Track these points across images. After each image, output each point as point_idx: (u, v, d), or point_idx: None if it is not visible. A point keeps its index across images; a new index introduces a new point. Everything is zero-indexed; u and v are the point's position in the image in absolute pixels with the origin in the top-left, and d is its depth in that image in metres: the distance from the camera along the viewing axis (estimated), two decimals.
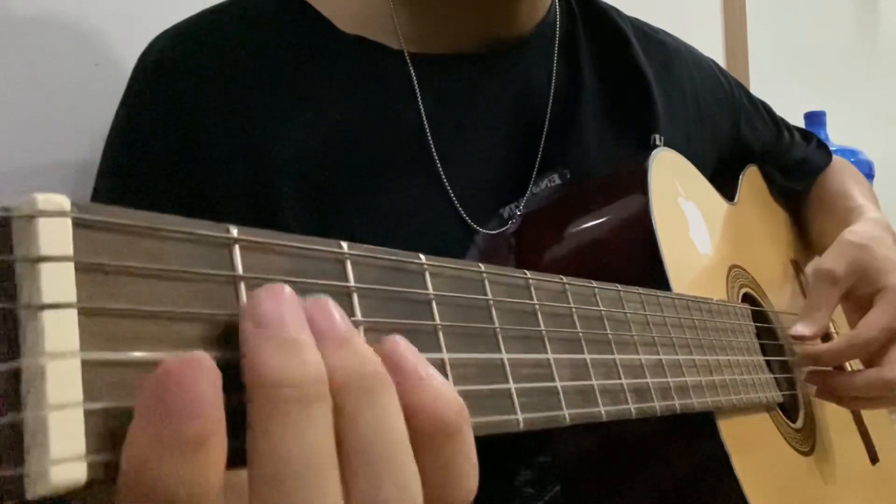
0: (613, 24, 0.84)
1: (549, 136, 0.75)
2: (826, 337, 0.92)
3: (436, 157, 0.68)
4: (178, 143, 0.65)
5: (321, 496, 0.25)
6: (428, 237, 0.66)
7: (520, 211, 0.71)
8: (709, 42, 1.69)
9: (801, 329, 0.78)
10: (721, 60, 1.71)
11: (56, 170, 0.75)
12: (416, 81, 0.69)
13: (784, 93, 1.62)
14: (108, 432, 0.21)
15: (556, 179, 0.74)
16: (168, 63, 0.67)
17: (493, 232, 0.70)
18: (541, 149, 0.74)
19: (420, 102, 0.69)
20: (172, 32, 0.69)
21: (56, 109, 0.75)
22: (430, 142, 0.68)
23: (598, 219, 0.69)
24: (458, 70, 0.72)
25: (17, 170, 0.72)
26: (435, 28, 0.71)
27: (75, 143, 0.75)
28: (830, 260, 0.83)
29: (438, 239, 0.67)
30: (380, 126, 0.68)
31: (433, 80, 0.70)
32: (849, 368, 0.82)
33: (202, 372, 0.23)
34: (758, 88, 1.30)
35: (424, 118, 0.69)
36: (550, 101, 0.76)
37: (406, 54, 0.70)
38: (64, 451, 0.20)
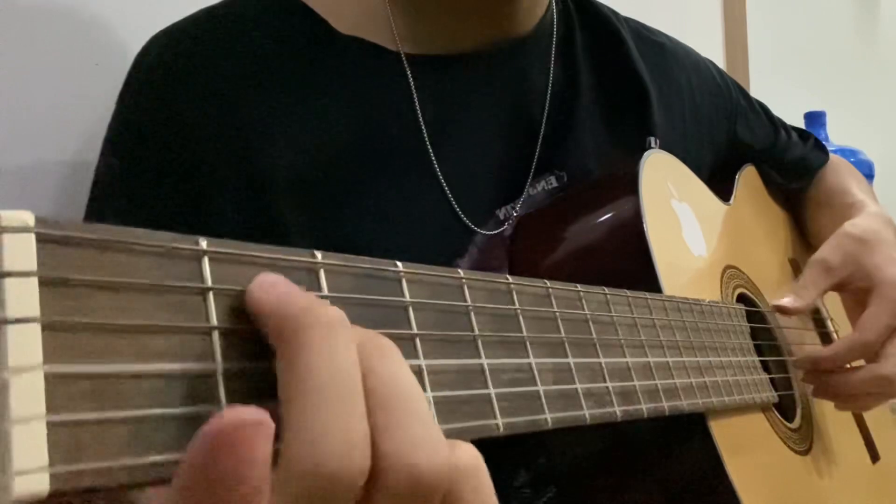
0: (610, 25, 0.84)
1: (545, 137, 0.75)
2: (825, 336, 0.92)
3: (433, 158, 0.68)
4: (176, 145, 0.65)
5: (352, 415, 0.27)
6: (426, 237, 0.66)
7: (516, 212, 0.71)
8: (709, 42, 1.69)
9: (785, 301, 0.78)
10: (721, 60, 1.71)
11: (55, 170, 0.75)
12: (412, 82, 0.69)
13: (784, 93, 1.62)
14: (72, 444, 0.21)
15: (553, 181, 0.74)
16: (164, 64, 0.67)
17: (490, 233, 0.70)
18: (537, 150, 0.74)
19: (417, 103, 0.69)
20: (168, 33, 0.69)
21: (56, 109, 0.75)
22: (427, 142, 0.68)
23: (592, 221, 0.69)
24: (455, 71, 0.72)
25: (17, 170, 0.72)
26: (432, 29, 0.71)
27: (74, 143, 0.76)
28: (827, 250, 0.83)
29: (436, 239, 0.67)
30: (377, 127, 0.68)
31: (430, 81, 0.70)
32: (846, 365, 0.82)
33: (258, 435, 0.24)
34: (758, 88, 1.31)
35: (421, 119, 0.69)
36: (547, 102, 0.76)
37: (403, 55, 0.70)
38: (27, 463, 0.20)
